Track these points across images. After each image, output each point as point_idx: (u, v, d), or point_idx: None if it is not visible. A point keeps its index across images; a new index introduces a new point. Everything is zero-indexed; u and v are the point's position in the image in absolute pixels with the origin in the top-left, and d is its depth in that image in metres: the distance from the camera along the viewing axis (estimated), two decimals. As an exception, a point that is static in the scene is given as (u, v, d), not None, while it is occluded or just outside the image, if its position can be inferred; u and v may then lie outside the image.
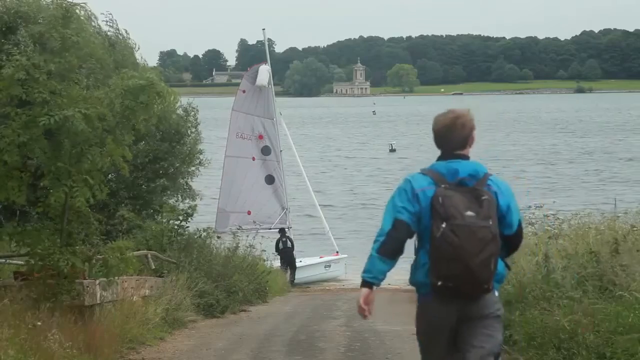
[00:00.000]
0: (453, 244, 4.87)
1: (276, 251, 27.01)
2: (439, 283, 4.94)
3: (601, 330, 7.88)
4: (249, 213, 28.42)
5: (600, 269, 9.33)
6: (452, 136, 5.16)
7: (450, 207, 4.93)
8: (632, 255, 9.32)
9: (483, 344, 5.03)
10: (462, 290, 4.95)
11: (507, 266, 5.21)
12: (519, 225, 5.17)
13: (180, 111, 20.30)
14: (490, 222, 4.93)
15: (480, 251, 4.88)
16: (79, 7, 9.82)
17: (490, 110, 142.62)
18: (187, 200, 19.83)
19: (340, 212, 43.82)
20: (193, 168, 20.66)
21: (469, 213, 4.92)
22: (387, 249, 5.03)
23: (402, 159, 75.55)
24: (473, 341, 5.05)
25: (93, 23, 17.09)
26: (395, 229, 5.02)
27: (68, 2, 9.76)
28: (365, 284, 5.09)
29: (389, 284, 17.85)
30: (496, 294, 5.12)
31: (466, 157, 5.17)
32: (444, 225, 4.90)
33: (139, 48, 19.46)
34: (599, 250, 9.73)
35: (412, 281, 5.18)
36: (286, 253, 27.24)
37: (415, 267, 5.12)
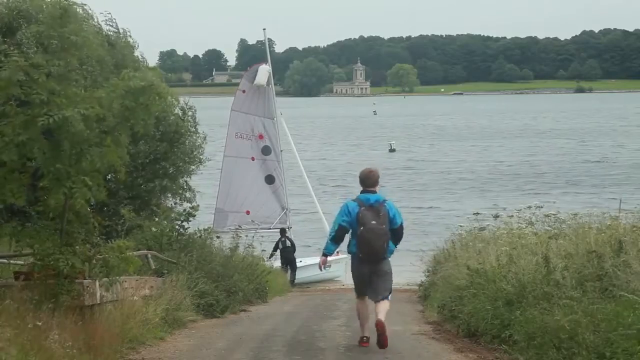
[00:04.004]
0: (366, 237, 10.15)
1: (274, 251, 26.98)
2: (360, 255, 10.26)
3: (601, 330, 7.88)
4: (247, 213, 28.38)
5: (600, 268, 9.33)
6: (369, 180, 10.40)
7: (365, 219, 10.14)
8: (633, 255, 9.32)
9: (383, 285, 10.39)
10: (371, 259, 10.25)
11: (395, 246, 10.45)
12: (400, 224, 10.36)
13: (178, 110, 20.25)
14: (384, 226, 10.16)
15: (378, 240, 10.15)
16: (77, 7, 9.81)
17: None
18: (186, 203, 19.78)
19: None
20: (193, 167, 20.63)
21: (374, 222, 10.12)
22: (335, 238, 10.49)
23: (401, 159, 75.74)
24: (378, 283, 10.38)
25: (92, 22, 17.09)
26: (339, 229, 10.40)
27: (66, 1, 9.75)
28: (324, 255, 10.78)
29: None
30: (389, 260, 10.42)
31: (374, 192, 10.35)
32: (362, 228, 10.14)
33: (137, 46, 19.45)
34: (600, 250, 9.73)
35: (348, 251, 10.45)
36: (286, 253, 27.21)
37: (350, 245, 10.37)
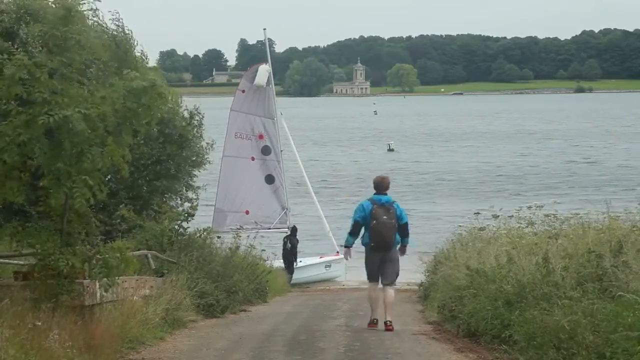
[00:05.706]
0: (378, 229, 12.29)
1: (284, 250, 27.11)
2: (372, 244, 12.39)
3: (601, 330, 7.89)
4: (246, 213, 28.33)
5: (600, 268, 9.33)
6: (382, 185, 12.64)
7: (377, 214, 12.29)
8: (633, 255, 9.32)
9: (392, 271, 12.52)
10: (381, 247, 12.37)
11: (401, 238, 12.54)
12: (405, 222, 12.57)
13: (185, 114, 20.20)
14: (393, 221, 12.33)
15: (388, 232, 12.31)
16: (80, 6, 9.78)
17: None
18: (187, 203, 19.76)
19: (339, 212, 43.81)
20: (195, 170, 20.58)
21: (384, 217, 12.29)
22: (353, 232, 12.60)
23: (400, 159, 75.71)
24: (387, 269, 12.49)
25: (97, 19, 17.05)
26: (356, 224, 12.54)
27: (69, 0, 9.73)
28: (347, 247, 12.92)
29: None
30: (397, 249, 12.56)
31: (385, 194, 12.56)
32: (374, 222, 12.29)
33: (137, 44, 19.35)
34: (599, 250, 9.72)
35: (363, 242, 12.59)
36: (286, 253, 27.22)
37: (364, 237, 12.51)
